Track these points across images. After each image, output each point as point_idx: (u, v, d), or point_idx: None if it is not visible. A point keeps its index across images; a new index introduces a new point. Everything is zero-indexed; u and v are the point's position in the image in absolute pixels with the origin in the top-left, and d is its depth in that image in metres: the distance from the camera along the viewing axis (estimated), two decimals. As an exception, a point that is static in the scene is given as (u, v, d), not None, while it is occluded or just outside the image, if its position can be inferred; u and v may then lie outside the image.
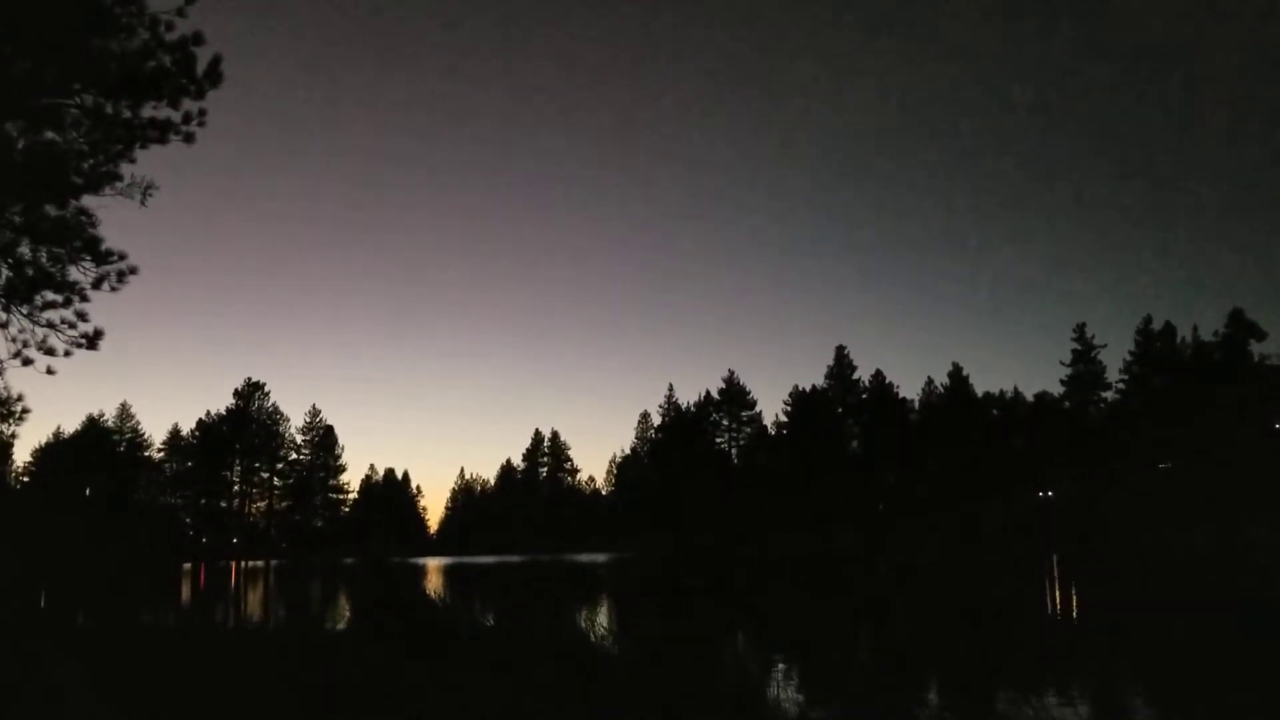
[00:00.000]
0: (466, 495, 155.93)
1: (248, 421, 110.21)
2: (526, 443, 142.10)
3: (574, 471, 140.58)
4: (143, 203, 14.09)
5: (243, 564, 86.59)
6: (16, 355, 14.60)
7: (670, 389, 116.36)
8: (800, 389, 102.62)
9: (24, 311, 14.52)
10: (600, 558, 75.14)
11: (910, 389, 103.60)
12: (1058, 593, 28.63)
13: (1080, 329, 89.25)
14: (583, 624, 12.47)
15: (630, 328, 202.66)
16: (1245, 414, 67.31)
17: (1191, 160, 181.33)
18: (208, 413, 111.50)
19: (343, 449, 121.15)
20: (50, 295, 14.54)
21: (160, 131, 13.75)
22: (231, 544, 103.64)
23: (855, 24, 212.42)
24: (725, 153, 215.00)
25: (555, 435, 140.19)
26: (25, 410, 15.81)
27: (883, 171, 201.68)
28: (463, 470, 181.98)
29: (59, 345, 14.74)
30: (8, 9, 12.27)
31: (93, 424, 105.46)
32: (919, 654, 15.31)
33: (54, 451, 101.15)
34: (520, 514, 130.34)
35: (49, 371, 14.85)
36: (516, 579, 44.60)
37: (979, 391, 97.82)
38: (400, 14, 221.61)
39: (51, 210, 14.16)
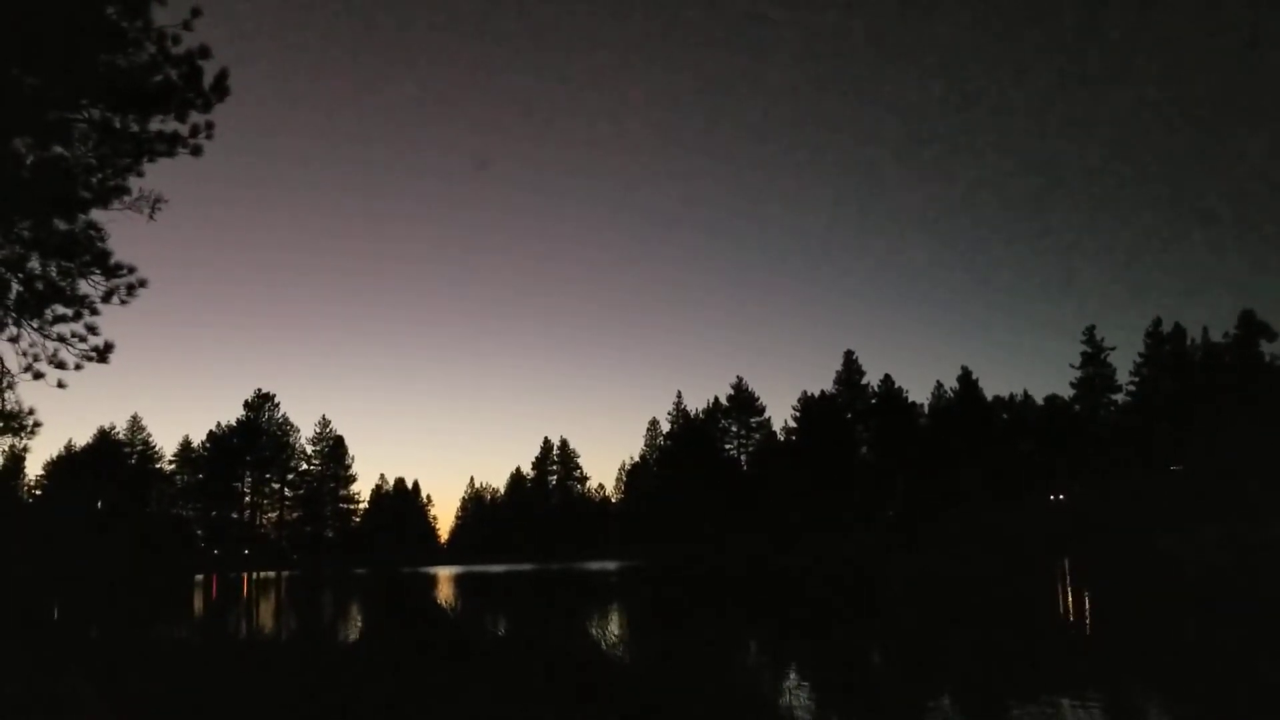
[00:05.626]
0: (476, 504, 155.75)
1: (258, 433, 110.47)
2: (536, 451, 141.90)
3: (583, 479, 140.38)
4: (151, 216, 14.09)
5: (254, 575, 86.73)
6: (27, 369, 14.61)
7: (679, 396, 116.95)
8: (809, 395, 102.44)
9: (34, 325, 14.53)
10: (611, 565, 74.96)
11: (920, 393, 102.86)
12: (1069, 599, 28.43)
13: (1090, 331, 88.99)
14: (595, 634, 12.43)
15: (639, 335, 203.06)
16: (1257, 415, 66.81)
17: (1201, 162, 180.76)
18: (218, 424, 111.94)
19: (353, 459, 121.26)
20: (60, 309, 14.54)
21: (168, 145, 13.73)
22: (243, 555, 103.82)
23: (859, 33, 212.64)
24: (732, 161, 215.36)
25: (564, 443, 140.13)
26: (37, 424, 15.79)
27: (889, 177, 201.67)
28: (473, 479, 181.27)
29: (69, 358, 14.74)
30: (15, 25, 12.33)
31: (104, 436, 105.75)
32: (929, 663, 15.20)
33: (65, 464, 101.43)
34: (530, 522, 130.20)
35: (60, 385, 14.86)
36: (528, 588, 44.55)
37: (989, 395, 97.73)
38: (409, 27, 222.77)
39: (61, 225, 14.17)
